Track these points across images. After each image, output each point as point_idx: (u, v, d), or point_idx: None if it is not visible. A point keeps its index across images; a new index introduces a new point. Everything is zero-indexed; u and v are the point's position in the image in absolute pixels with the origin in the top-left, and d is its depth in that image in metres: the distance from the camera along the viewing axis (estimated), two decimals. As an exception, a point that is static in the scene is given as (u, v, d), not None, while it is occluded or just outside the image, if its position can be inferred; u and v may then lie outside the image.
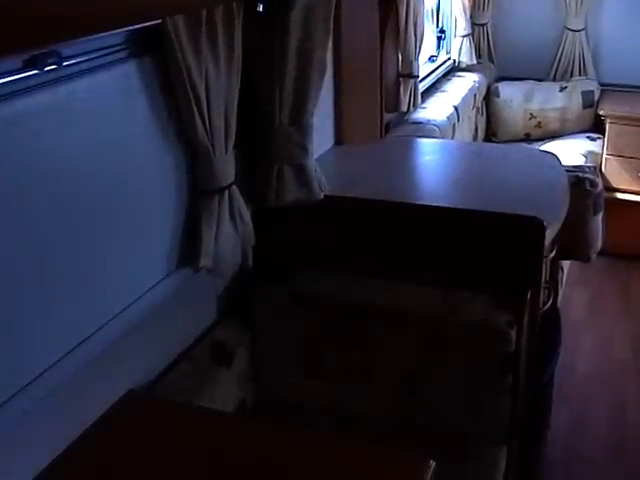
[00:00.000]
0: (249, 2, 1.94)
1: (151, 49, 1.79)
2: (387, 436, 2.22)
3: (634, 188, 4.58)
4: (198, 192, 1.97)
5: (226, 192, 1.98)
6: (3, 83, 1.40)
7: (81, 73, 1.60)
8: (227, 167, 1.97)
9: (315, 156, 2.32)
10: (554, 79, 5.05)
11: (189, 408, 1.91)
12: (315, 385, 2.30)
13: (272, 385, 2.33)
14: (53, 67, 1.50)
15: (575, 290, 4.28)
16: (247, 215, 2.11)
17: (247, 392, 2.28)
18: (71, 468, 1.66)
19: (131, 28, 1.68)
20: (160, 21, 1.69)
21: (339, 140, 2.80)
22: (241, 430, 1.79)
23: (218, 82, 1.87)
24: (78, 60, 1.58)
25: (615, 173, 4.60)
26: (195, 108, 1.82)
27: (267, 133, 2.19)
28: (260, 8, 2.03)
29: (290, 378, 2.31)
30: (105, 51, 1.65)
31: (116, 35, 1.68)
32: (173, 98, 1.84)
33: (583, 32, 4.96)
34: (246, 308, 2.29)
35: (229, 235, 2.03)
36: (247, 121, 2.12)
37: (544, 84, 4.95)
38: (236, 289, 2.35)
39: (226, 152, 1.96)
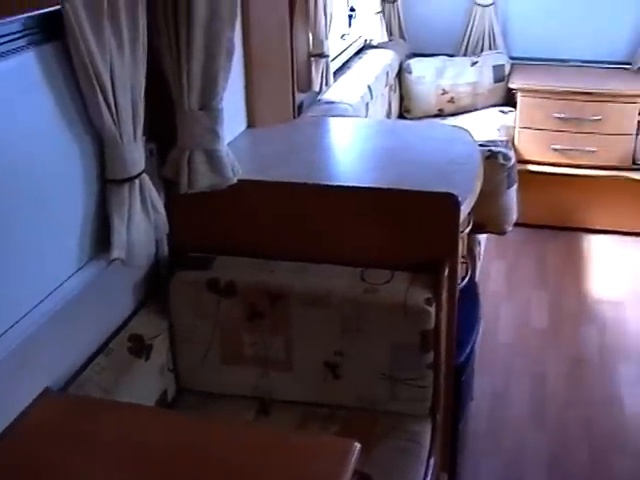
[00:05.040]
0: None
1: (52, 36, 1.73)
2: (312, 419, 2.22)
3: (546, 160, 4.67)
4: (108, 182, 1.92)
5: (136, 181, 1.94)
6: None
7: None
8: (136, 155, 1.92)
9: (227, 140, 2.29)
10: (465, 54, 5.10)
11: (106, 404, 1.87)
12: (236, 372, 2.28)
13: (193, 374, 2.30)
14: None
15: (493, 262, 4.36)
16: (159, 203, 2.07)
17: (168, 382, 2.25)
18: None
19: (27, 15, 1.62)
20: (59, 6, 1.64)
21: (251, 123, 2.77)
22: (159, 424, 1.76)
23: (123, 68, 1.82)
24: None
25: (528, 145, 4.69)
26: (100, 95, 1.77)
27: (176, 119, 2.15)
28: (163, -12, 1.98)
29: (211, 366, 2.28)
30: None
31: (11, 22, 1.61)
32: (77, 86, 1.78)
33: (492, 7, 5.01)
34: (163, 297, 2.25)
35: (142, 225, 1.99)
36: (156, 107, 2.08)
37: (455, 59, 5.00)
38: (152, 278, 2.31)
39: (135, 139, 1.91)
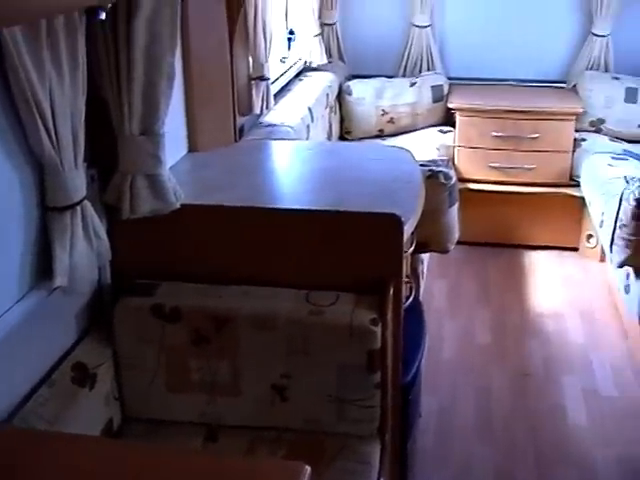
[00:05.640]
0: (91, 10, 1.87)
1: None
2: (260, 443, 2.21)
3: (486, 178, 4.74)
4: (49, 209, 1.90)
5: (78, 208, 1.92)
6: None
7: None
8: (77, 182, 1.91)
9: (169, 165, 2.28)
10: (404, 75, 5.17)
11: (49, 435, 1.83)
12: (183, 398, 2.26)
13: (139, 401, 2.27)
14: None
15: (436, 281, 4.40)
16: (102, 230, 2.06)
17: (113, 411, 2.22)
18: None
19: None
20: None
21: (193, 147, 2.76)
22: (104, 454, 1.73)
23: (63, 95, 1.81)
24: None
25: (467, 164, 4.75)
26: (40, 123, 1.76)
27: (118, 144, 2.14)
28: (102, 16, 1.97)
29: (157, 393, 2.25)
30: None
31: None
32: (16, 114, 1.77)
33: (429, 28, 5.10)
34: (107, 325, 2.22)
35: (84, 252, 1.97)
36: (97, 133, 2.06)
37: (394, 80, 5.05)
38: (95, 306, 2.28)
39: (76, 166, 1.90)
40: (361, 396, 2.19)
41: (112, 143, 2.14)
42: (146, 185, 2.15)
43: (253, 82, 3.34)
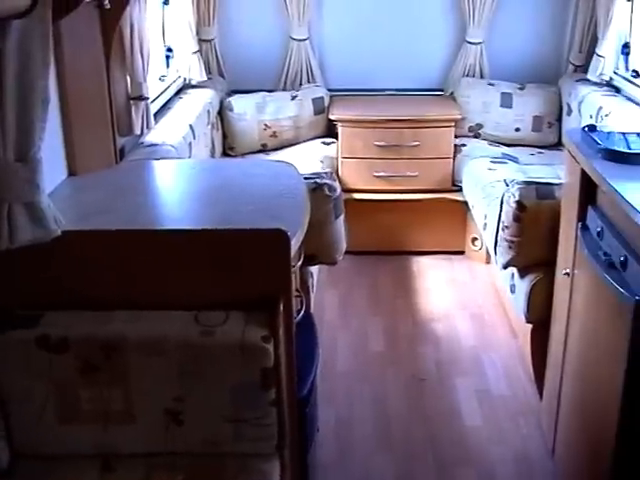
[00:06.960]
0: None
1: None
2: (158, 469, 2.17)
3: (370, 187, 4.81)
4: None
5: (-48, 241, 1.85)
6: None
7: None
8: (-50, 213, 1.84)
9: (48, 190, 2.21)
10: (284, 89, 5.20)
11: None
12: (75, 430, 2.19)
13: (28, 437, 2.20)
14: None
15: (326, 293, 4.43)
16: (-21, 262, 1.99)
17: (1, 449, 2.14)
18: None
19: None
20: None
21: (72, 170, 2.68)
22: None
23: None
24: None
25: (351, 175, 4.81)
26: None
27: (-8, 172, 2.07)
28: (-30, 40, 1.91)
29: (47, 427, 2.18)
30: None
31: None
32: None
33: (307, 41, 5.15)
34: (-10, 360, 2.14)
35: (-39, 286, 1.90)
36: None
37: (275, 94, 5.07)
38: (-23, 341, 2.19)
39: (-53, 198, 1.82)
40: (257, 414, 2.18)
41: (-14, 171, 2.07)
42: (24, 213, 2.08)
43: (132, 102, 3.29)
